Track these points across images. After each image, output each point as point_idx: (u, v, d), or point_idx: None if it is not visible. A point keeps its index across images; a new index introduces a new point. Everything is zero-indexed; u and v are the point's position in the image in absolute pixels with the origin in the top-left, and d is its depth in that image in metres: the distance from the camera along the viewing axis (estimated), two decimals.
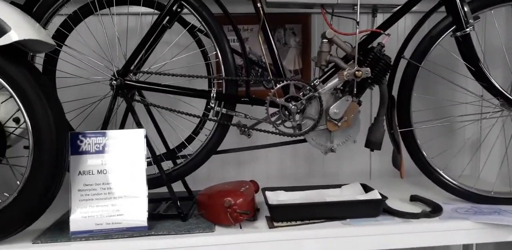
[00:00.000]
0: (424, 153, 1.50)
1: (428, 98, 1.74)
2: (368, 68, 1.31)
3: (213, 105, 1.38)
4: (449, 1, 1.36)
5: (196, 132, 1.58)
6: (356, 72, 1.29)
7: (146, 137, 1.31)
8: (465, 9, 1.35)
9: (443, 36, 1.41)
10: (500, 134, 1.75)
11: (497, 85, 1.39)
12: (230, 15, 1.39)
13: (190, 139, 1.58)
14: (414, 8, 1.39)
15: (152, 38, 1.38)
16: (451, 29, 1.40)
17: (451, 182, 1.51)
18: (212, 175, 1.88)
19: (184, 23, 1.50)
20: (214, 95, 1.37)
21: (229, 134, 1.44)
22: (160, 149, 1.54)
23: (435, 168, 1.51)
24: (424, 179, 1.54)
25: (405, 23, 1.86)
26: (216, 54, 1.39)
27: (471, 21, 1.35)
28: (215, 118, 1.40)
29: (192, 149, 1.48)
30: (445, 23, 1.40)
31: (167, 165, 1.49)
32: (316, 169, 1.96)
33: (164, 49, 1.54)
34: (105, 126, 1.33)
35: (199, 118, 1.41)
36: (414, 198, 1.55)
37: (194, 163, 1.44)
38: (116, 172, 1.28)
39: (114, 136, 1.28)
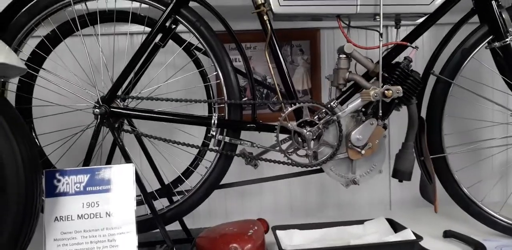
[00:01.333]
0: (459, 182, 1.30)
1: (453, 119, 1.55)
2: (399, 87, 1.12)
3: (214, 134, 1.18)
4: (484, 8, 1.19)
5: (194, 164, 1.37)
6: (386, 91, 1.10)
7: (136, 172, 1.10)
8: (504, 16, 1.17)
9: (478, 48, 1.22)
10: None
11: None
12: (232, 31, 1.20)
13: (188, 173, 1.37)
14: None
15: (143, 59, 1.19)
16: (488, 39, 1.22)
17: (493, 215, 1.30)
18: (213, 209, 1.67)
19: (180, 41, 1.31)
20: (216, 121, 1.17)
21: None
22: (154, 185, 1.33)
23: (472, 199, 1.31)
24: (454, 209, 1.34)
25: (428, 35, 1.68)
26: (217, 74, 1.20)
27: (511, 30, 1.17)
28: (217, 148, 1.20)
29: (190, 184, 1.27)
30: (481, 33, 1.22)
31: (162, 203, 1.28)
32: (329, 199, 1.75)
33: (157, 70, 1.34)
34: (87, 161, 1.13)
35: (198, 149, 1.20)
36: (448, 234, 1.34)
37: (192, 200, 1.23)
38: (100, 216, 1.07)
39: (99, 173, 1.08)
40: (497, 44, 1.19)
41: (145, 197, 1.15)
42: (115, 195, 1.08)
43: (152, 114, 1.16)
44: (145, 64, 1.23)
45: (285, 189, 1.71)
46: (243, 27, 1.52)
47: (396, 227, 1.31)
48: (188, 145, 1.17)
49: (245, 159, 1.24)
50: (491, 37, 1.22)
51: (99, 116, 1.13)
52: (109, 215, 1.07)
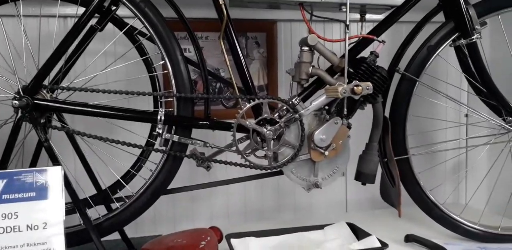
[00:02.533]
0: (422, 184, 1.25)
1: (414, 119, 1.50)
2: (369, 83, 1.03)
3: (160, 131, 1.02)
4: (451, 3, 1.13)
5: (137, 166, 1.21)
6: (355, 87, 1.00)
7: (66, 176, 0.93)
8: (470, 13, 1.12)
9: (444, 45, 1.17)
10: (489, 157, 1.55)
11: (510, 103, 1.17)
12: (184, 17, 1.06)
13: (129, 176, 1.20)
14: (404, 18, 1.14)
15: (76, 44, 1.01)
16: (453, 37, 1.17)
17: (454, 219, 1.26)
18: (159, 215, 1.51)
19: (122, 25, 1.14)
20: (162, 118, 1.01)
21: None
22: (89, 191, 1.15)
23: (435, 203, 1.25)
24: (414, 210, 1.29)
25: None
26: (164, 64, 1.05)
27: (477, 27, 1.13)
28: (164, 148, 1.05)
29: (132, 189, 1.11)
30: (446, 30, 1.17)
31: (99, 211, 1.11)
32: (285, 202, 1.65)
33: (95, 58, 1.16)
34: (4, 163, 0.93)
35: (141, 149, 1.04)
36: (410, 239, 1.28)
37: (134, 208, 1.07)
38: (20, 230, 0.88)
39: (18, 178, 0.89)
40: (463, 41, 1.15)
41: (76, 205, 0.97)
42: (39, 203, 0.90)
43: (85, 108, 0.99)
44: (78, 50, 1.05)
45: (238, 192, 1.59)
46: (194, 14, 1.38)
47: (357, 232, 1.24)
48: (129, 144, 1.01)
49: (196, 160, 1.10)
50: (456, 34, 1.17)
51: (19, 109, 0.94)
52: (31, 228, 0.89)
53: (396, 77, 1.21)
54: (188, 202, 1.55)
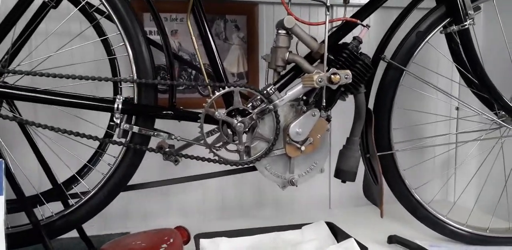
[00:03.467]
0: (407, 182, 1.16)
1: (400, 112, 1.41)
2: (348, 71, 0.93)
3: (118, 122, 0.92)
4: None
5: (94, 160, 1.10)
6: (332, 76, 0.90)
7: (9, 170, 0.83)
8: None
9: (434, 31, 1.07)
10: (480, 153, 1.47)
11: (503, 96, 1.08)
12: None
13: (86, 171, 1.10)
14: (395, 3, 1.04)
15: (28, 22, 0.90)
16: (444, 22, 1.07)
17: (440, 219, 1.18)
18: (129, 210, 1.42)
19: (77, 2, 1.02)
20: (120, 106, 0.91)
21: (148, 156, 1.00)
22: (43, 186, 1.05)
23: (420, 202, 1.17)
24: (398, 208, 1.21)
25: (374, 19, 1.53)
26: (125, 46, 0.94)
27: (471, 13, 1.03)
28: (122, 140, 0.94)
29: (91, 185, 1.00)
30: (437, 15, 1.07)
31: (52, 209, 1.01)
32: (266, 197, 1.57)
33: (49, 39, 1.05)
34: None
35: (99, 141, 0.94)
36: (393, 240, 1.20)
37: (91, 205, 0.97)
38: None
39: None
40: (454, 28, 1.05)
41: (20, 202, 0.87)
42: None
43: (32, 94, 0.88)
44: (28, 29, 0.94)
45: (215, 186, 1.49)
46: None
47: (337, 233, 1.15)
48: (83, 136, 0.90)
49: (163, 154, 1.01)
50: (448, 20, 1.07)
51: None
52: None
53: (382, 66, 1.11)
54: (161, 196, 1.46)
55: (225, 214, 1.52)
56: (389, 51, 1.10)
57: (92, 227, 1.37)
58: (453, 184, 1.67)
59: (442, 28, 1.09)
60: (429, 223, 1.18)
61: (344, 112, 1.13)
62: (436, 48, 1.14)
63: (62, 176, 1.09)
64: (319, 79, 0.90)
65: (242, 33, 1.48)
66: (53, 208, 1.01)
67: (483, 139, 1.17)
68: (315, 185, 1.58)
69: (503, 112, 1.12)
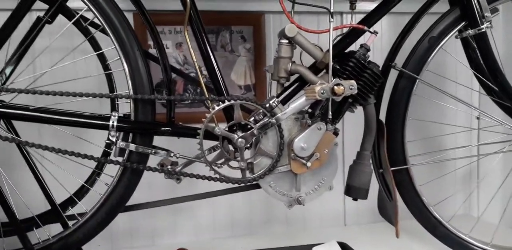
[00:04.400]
0: (424, 199, 1.08)
1: (415, 123, 1.32)
2: (353, 81, 0.87)
3: (114, 140, 0.88)
4: None
5: (91, 180, 1.06)
6: (335, 87, 0.84)
7: (1, 193, 0.79)
8: None
9: (449, 36, 1.00)
10: (504, 165, 1.37)
11: None
12: (142, 6, 0.92)
13: (84, 192, 1.06)
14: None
15: (23, 38, 0.88)
16: (459, 26, 1.00)
17: (462, 239, 1.09)
18: (136, 228, 1.38)
19: (71, 15, 0.99)
20: (115, 123, 0.87)
21: (155, 173, 0.95)
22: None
23: (439, 220, 1.09)
24: (417, 225, 1.12)
25: (386, 25, 1.47)
26: (120, 60, 0.90)
27: (487, 15, 0.96)
28: (119, 160, 0.90)
29: (85, 206, 0.96)
30: (451, 19, 1.00)
31: (49, 232, 0.97)
32: (276, 214, 1.50)
33: (44, 55, 1.02)
34: None
35: (97, 161, 0.90)
36: None
37: (88, 227, 0.93)
38: None
39: None
40: (470, 32, 0.98)
41: (14, 226, 0.84)
42: None
43: (23, 112, 0.84)
44: (23, 45, 0.91)
45: (225, 203, 1.44)
46: (171, 6, 1.24)
47: None
48: (78, 155, 0.86)
49: (164, 173, 0.96)
50: (463, 23, 1.00)
51: None
52: None
53: (394, 74, 1.05)
54: (170, 214, 1.41)
55: (234, 232, 1.46)
56: (401, 59, 1.04)
57: (98, 247, 1.35)
58: (476, 199, 1.57)
59: (457, 33, 1.02)
60: (450, 242, 1.09)
61: (357, 124, 1.06)
62: (451, 55, 1.07)
63: (60, 197, 1.05)
64: (322, 91, 0.84)
65: (248, 44, 1.43)
66: (55, 230, 0.98)
67: (506, 151, 1.08)
68: (329, 200, 1.51)
69: None
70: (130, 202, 1.02)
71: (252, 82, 1.45)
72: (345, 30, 0.97)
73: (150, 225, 1.40)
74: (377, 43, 1.47)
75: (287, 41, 0.94)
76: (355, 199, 1.01)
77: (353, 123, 1.41)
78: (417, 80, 1.01)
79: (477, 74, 1.06)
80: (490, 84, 1.03)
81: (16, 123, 0.97)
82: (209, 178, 0.93)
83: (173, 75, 1.34)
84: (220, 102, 0.91)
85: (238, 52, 1.43)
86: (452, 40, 1.03)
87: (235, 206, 1.46)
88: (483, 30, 0.96)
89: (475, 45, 1.00)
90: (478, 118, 1.42)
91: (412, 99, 1.03)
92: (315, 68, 0.97)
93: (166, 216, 1.41)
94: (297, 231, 1.50)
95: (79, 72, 1.02)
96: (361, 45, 0.94)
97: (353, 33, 0.96)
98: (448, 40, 1.02)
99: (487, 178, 1.49)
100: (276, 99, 0.94)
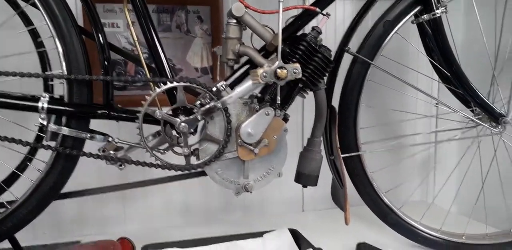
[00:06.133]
0: (375, 185, 1.07)
1: (369, 110, 1.30)
2: (297, 65, 0.83)
3: (44, 123, 0.82)
4: None
5: (23, 166, 1.00)
6: (278, 70, 0.80)
7: None
8: None
9: (404, 21, 0.97)
10: (459, 151, 1.38)
11: (479, 92, 0.98)
12: None
13: (15, 178, 1.00)
14: None
15: None
16: (415, 11, 0.97)
17: (413, 226, 1.09)
18: (85, 216, 1.32)
19: None
20: (45, 105, 0.81)
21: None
22: None
23: (391, 207, 1.09)
24: (371, 213, 1.12)
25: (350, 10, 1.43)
26: (53, 37, 0.83)
27: (443, 0, 0.93)
28: (52, 145, 0.84)
29: (17, 194, 0.90)
30: (407, 2, 0.97)
31: None
32: (234, 199, 1.47)
33: None
34: None
35: (28, 146, 0.83)
36: (362, 248, 1.11)
37: (18, 215, 0.87)
38: None
39: None
40: (425, 17, 0.95)
41: None
42: None
43: None
44: None
45: (179, 189, 1.39)
46: None
47: (300, 241, 1.06)
48: (4, 139, 0.80)
49: (101, 158, 0.90)
50: (419, 8, 0.97)
51: None
52: None
53: (348, 59, 1.02)
54: (120, 201, 1.36)
55: (189, 219, 1.42)
56: (356, 44, 1.01)
57: (44, 235, 1.29)
58: (432, 186, 1.58)
59: (413, 18, 0.99)
60: (401, 229, 1.09)
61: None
62: (407, 40, 1.04)
63: None
64: (264, 74, 0.80)
65: (205, 25, 1.37)
66: None
67: (458, 139, 1.07)
68: (287, 187, 1.49)
69: (479, 110, 1.02)
70: (80, 188, 0.98)
71: (209, 64, 1.39)
72: (297, 12, 0.92)
73: (99, 212, 1.34)
74: (339, 28, 1.43)
75: (235, 21, 0.88)
76: (304, 186, 0.98)
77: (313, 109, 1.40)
78: (371, 66, 0.98)
79: (432, 61, 1.04)
80: (445, 71, 1.01)
81: None
82: (150, 165, 0.88)
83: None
84: (162, 84, 0.86)
85: (194, 33, 1.37)
86: (411, 26, 1.00)
87: (190, 192, 1.41)
88: (437, 15, 0.93)
89: (429, 31, 0.97)
90: (436, 106, 1.42)
91: (365, 85, 1.00)
92: (266, 51, 0.92)
93: (117, 203, 1.35)
94: (255, 218, 1.47)
95: (11, 50, 0.94)
96: (313, 28, 0.90)
97: (305, 15, 0.91)
98: (403, 25, 0.98)
99: (444, 166, 1.50)
100: (224, 83, 0.89)
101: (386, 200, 1.08)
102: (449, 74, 0.99)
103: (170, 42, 1.34)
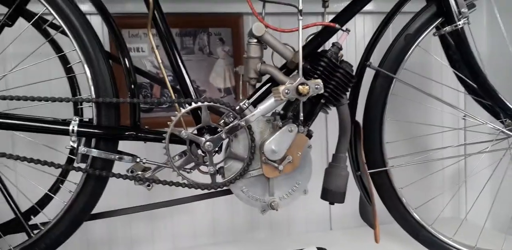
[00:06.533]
0: (404, 201, 1.04)
1: (395, 124, 1.28)
2: (319, 81, 0.83)
3: (75, 145, 0.84)
4: None
5: (55, 187, 1.03)
6: (300, 86, 0.81)
7: None
8: None
9: (425, 33, 0.97)
10: (491, 165, 1.33)
11: (508, 103, 0.96)
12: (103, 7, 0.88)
13: (48, 200, 1.02)
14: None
15: None
16: (436, 23, 0.97)
17: (446, 243, 1.05)
18: (114, 236, 1.34)
19: (30, 16, 0.96)
20: (75, 128, 0.83)
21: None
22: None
23: (422, 224, 1.05)
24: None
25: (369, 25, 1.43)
26: (81, 63, 0.87)
27: (464, 11, 0.92)
28: (82, 166, 0.87)
29: (49, 215, 0.92)
30: (428, 15, 0.96)
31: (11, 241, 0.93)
32: (260, 219, 1.46)
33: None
34: None
35: (61, 168, 0.86)
36: None
37: (51, 237, 0.89)
38: None
39: None
40: (447, 28, 0.94)
41: None
42: None
43: None
44: None
45: (205, 208, 1.40)
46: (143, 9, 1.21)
47: None
48: (37, 162, 0.83)
49: (129, 179, 0.92)
50: (439, 20, 0.97)
51: None
52: None
53: (371, 74, 1.02)
54: (147, 221, 1.37)
55: (216, 238, 1.42)
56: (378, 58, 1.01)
57: None
58: (464, 201, 1.53)
59: (434, 30, 0.98)
60: (434, 247, 1.05)
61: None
62: (429, 53, 1.04)
63: (24, 206, 1.02)
64: (286, 91, 0.80)
65: (227, 46, 1.40)
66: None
67: (488, 151, 1.04)
68: (314, 204, 1.47)
69: (510, 121, 0.99)
70: (108, 208, 1.00)
71: (232, 85, 1.42)
72: (316, 29, 0.93)
73: (128, 232, 1.36)
74: (359, 43, 1.44)
75: (255, 40, 0.90)
76: (331, 203, 0.97)
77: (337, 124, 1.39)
78: (394, 80, 0.98)
79: (457, 72, 1.02)
80: (471, 82, 0.99)
81: None
82: (177, 184, 0.89)
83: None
84: (187, 105, 0.87)
85: (216, 54, 1.40)
86: (433, 38, 1.00)
87: (216, 211, 1.42)
88: (459, 26, 0.92)
89: (452, 43, 0.96)
90: (464, 118, 1.38)
91: (389, 99, 0.99)
92: (287, 68, 0.93)
93: (145, 223, 1.37)
94: (281, 237, 1.46)
95: (43, 76, 0.99)
96: (333, 44, 0.91)
97: (325, 32, 0.93)
98: (425, 37, 0.98)
99: (475, 180, 1.45)
100: (247, 101, 0.91)
101: (416, 217, 1.04)
102: (475, 86, 0.97)
103: (193, 64, 1.38)
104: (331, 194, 0.95)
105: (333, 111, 0.96)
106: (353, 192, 1.05)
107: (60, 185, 1.01)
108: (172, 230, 1.38)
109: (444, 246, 1.05)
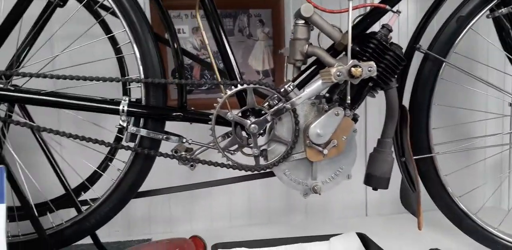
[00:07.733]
0: (449, 190, 1.02)
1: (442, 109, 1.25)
2: (372, 63, 0.81)
3: (125, 125, 0.86)
4: None
5: (104, 165, 1.06)
6: (353, 69, 0.79)
7: (12, 178, 0.79)
8: None
9: (479, 16, 0.93)
10: None
11: None
12: None
13: (97, 177, 1.06)
14: None
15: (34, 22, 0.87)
16: (491, 4, 0.92)
17: (490, 232, 1.03)
18: (153, 215, 1.38)
19: None
20: (125, 108, 0.85)
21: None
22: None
23: (466, 212, 1.03)
24: (442, 217, 1.06)
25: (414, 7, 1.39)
26: (131, 43, 0.88)
27: None
28: (130, 145, 0.89)
29: (98, 192, 0.96)
30: None
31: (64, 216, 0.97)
32: (295, 202, 1.47)
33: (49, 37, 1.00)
34: None
35: (109, 147, 0.88)
36: None
37: (100, 213, 0.92)
38: None
39: None
40: (503, 10, 0.90)
41: (24, 210, 0.84)
42: None
43: (34, 97, 0.84)
44: (34, 29, 0.90)
45: (242, 190, 1.42)
46: None
47: (369, 245, 1.03)
48: (89, 140, 0.85)
49: (176, 159, 0.93)
50: (495, 1, 0.92)
51: None
52: None
53: (419, 57, 0.99)
54: (186, 201, 1.40)
55: (252, 220, 1.44)
56: (427, 41, 0.98)
57: (117, 233, 1.36)
58: (507, 190, 1.48)
59: (488, 12, 0.94)
60: (477, 236, 1.03)
61: (381, 110, 1.01)
62: (482, 36, 0.99)
63: (75, 182, 1.06)
64: (338, 73, 0.79)
65: (267, 28, 1.39)
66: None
67: None
68: (350, 190, 1.46)
69: None
70: (148, 188, 1.03)
71: (270, 67, 1.41)
72: (366, 10, 0.91)
73: (167, 211, 1.39)
74: (403, 25, 1.40)
75: (303, 21, 0.89)
76: (375, 189, 0.96)
77: (376, 109, 1.36)
78: (444, 63, 0.95)
79: (510, 56, 0.98)
80: None
81: (36, 110, 0.97)
82: (221, 165, 0.91)
83: (190, 61, 1.32)
84: (233, 87, 0.88)
85: (256, 36, 1.39)
86: (483, 20, 0.95)
87: (252, 193, 1.43)
88: None
89: (508, 25, 0.92)
90: (510, 105, 1.33)
91: (438, 84, 0.97)
92: (334, 50, 0.91)
93: (184, 203, 1.40)
94: (317, 221, 1.46)
95: (94, 56, 1.01)
96: (383, 26, 0.88)
97: (375, 13, 0.90)
98: (478, 20, 0.94)
99: None
100: (292, 83, 0.90)
101: (461, 205, 1.02)
102: None
103: (233, 46, 1.36)
104: (376, 179, 0.94)
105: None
106: (392, 178, 1.04)
107: (109, 163, 1.04)
108: (210, 211, 1.41)
109: (488, 236, 1.03)
